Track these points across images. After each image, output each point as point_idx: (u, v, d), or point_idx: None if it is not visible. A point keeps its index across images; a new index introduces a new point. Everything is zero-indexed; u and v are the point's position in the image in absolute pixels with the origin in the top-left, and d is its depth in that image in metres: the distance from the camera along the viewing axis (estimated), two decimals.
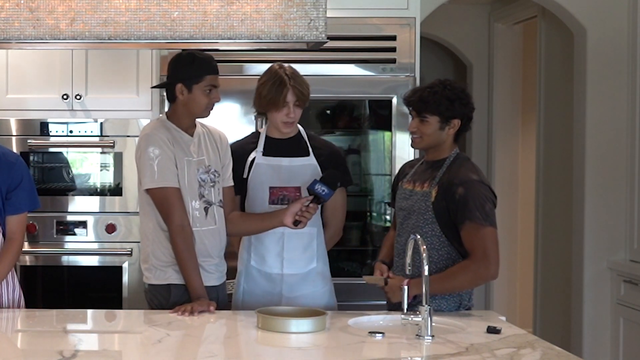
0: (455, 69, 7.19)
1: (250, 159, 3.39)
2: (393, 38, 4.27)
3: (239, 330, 2.85)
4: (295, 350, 2.62)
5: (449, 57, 7.12)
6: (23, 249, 3.64)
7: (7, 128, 4.29)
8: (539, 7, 5.62)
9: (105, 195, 4.33)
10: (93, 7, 2.90)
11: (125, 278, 4.28)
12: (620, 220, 4.88)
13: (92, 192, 4.35)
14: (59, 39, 2.92)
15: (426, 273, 2.67)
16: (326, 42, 2.98)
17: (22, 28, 2.91)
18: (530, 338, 2.70)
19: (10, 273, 3.18)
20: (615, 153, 4.88)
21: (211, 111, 3.25)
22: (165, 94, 3.34)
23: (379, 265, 3.24)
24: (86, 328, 3.07)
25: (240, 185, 3.38)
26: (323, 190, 3.17)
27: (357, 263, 4.51)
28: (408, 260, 2.80)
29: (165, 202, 3.12)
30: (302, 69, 4.19)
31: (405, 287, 2.78)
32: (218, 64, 3.24)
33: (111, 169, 4.32)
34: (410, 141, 3.21)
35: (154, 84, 4.23)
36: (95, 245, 4.30)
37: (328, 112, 4.65)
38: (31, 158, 4.31)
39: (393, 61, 4.26)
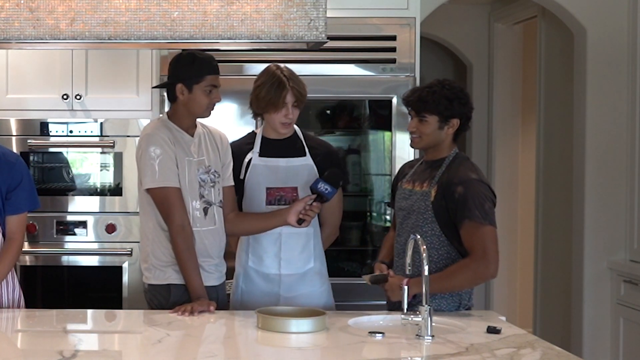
0: (455, 69, 7.19)
1: (246, 160, 3.39)
2: (393, 38, 4.27)
3: (239, 330, 2.85)
4: (295, 350, 2.62)
5: (449, 57, 7.12)
6: (23, 249, 3.64)
7: (7, 128, 4.29)
8: (539, 7, 5.62)
9: (105, 195, 4.33)
10: (93, 7, 2.90)
11: (125, 278, 4.28)
12: (620, 220, 4.88)
13: (92, 192, 4.35)
14: (59, 39, 2.92)
15: (426, 273, 2.67)
16: (326, 42, 2.98)
17: (22, 28, 2.91)
18: (530, 338, 2.70)
19: (10, 273, 3.18)
20: (615, 153, 4.89)
21: (212, 111, 3.25)
22: (165, 94, 3.34)
23: (379, 266, 3.24)
24: (86, 328, 3.07)
25: (237, 186, 3.38)
26: (326, 189, 3.18)
27: (357, 263, 4.51)
28: (408, 260, 2.80)
29: (165, 202, 3.12)
30: (302, 69, 4.20)
31: (406, 287, 2.78)
32: (218, 64, 3.24)
33: (111, 169, 4.32)
34: (409, 141, 3.21)
35: (154, 84, 4.23)
36: (95, 245, 4.30)
37: (328, 112, 4.65)
38: (31, 158, 4.31)
39: (393, 61, 4.26)
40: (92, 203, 4.33)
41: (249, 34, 2.93)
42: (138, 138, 3.30)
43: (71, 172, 4.38)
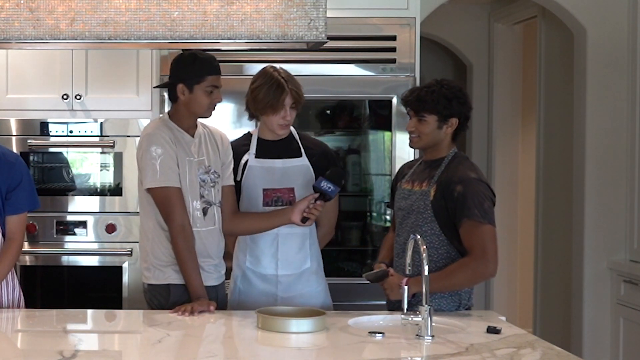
0: (455, 69, 7.19)
1: (242, 161, 3.39)
2: (393, 38, 4.27)
3: (239, 330, 2.85)
4: (295, 350, 2.62)
5: (449, 57, 7.12)
6: (23, 249, 3.64)
7: (7, 128, 4.29)
8: (539, 7, 5.62)
9: (105, 195, 4.33)
10: (93, 7, 2.90)
11: (125, 278, 4.28)
12: (620, 220, 4.88)
13: (92, 192, 4.35)
14: (59, 39, 2.92)
15: (426, 273, 2.67)
16: (326, 42, 2.98)
17: (22, 28, 2.91)
18: (530, 338, 2.70)
19: (10, 273, 3.18)
20: (615, 153, 4.89)
21: (213, 111, 3.25)
22: (166, 94, 3.34)
23: (379, 266, 3.24)
24: (86, 328, 3.07)
25: (234, 187, 3.39)
26: (329, 187, 3.18)
27: (357, 263, 4.51)
28: (408, 260, 2.80)
29: (166, 202, 3.12)
30: (302, 69, 4.21)
31: (405, 287, 2.78)
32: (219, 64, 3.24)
33: (111, 169, 4.32)
34: (408, 141, 3.21)
35: (154, 84, 4.23)
36: (95, 245, 4.30)
37: (328, 112, 4.66)
38: (31, 158, 4.31)
39: (393, 61, 4.26)
40: (92, 203, 4.33)
41: (249, 34, 2.93)
42: (138, 138, 3.29)
43: (71, 172, 4.38)
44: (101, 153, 4.34)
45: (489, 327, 2.76)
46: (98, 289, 4.34)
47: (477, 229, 2.97)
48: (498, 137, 6.54)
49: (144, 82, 4.29)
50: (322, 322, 2.75)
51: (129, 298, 4.27)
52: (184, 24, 2.91)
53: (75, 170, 4.39)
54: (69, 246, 4.30)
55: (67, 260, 4.32)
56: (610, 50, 4.88)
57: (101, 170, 4.35)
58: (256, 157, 3.40)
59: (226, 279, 3.40)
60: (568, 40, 5.24)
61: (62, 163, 4.39)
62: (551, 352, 2.51)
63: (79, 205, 4.33)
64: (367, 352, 2.56)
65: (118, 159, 4.30)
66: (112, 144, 4.28)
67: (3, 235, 3.16)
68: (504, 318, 3.01)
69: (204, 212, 3.22)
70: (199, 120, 3.29)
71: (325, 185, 3.18)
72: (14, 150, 4.17)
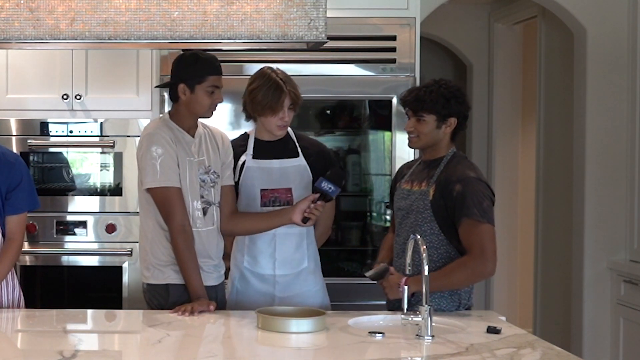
0: (455, 69, 7.19)
1: (240, 162, 3.39)
2: (393, 38, 4.27)
3: (239, 330, 2.85)
4: (295, 350, 2.62)
5: (449, 57, 7.12)
6: (23, 249, 3.64)
7: (7, 128, 4.29)
8: (539, 7, 5.62)
9: (105, 195, 4.33)
10: (93, 7, 2.90)
11: (125, 278, 4.28)
12: (620, 220, 4.88)
13: (92, 192, 4.35)
14: (59, 39, 2.92)
15: (426, 273, 2.67)
16: (326, 42, 2.98)
17: (22, 28, 2.91)
18: (530, 338, 2.70)
19: (10, 273, 3.18)
20: (615, 153, 4.89)
21: (214, 112, 3.25)
22: (166, 93, 3.34)
23: (378, 265, 3.24)
24: (86, 328, 3.07)
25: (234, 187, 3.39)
26: (330, 188, 3.18)
27: (357, 263, 4.51)
28: (408, 260, 2.80)
29: (166, 202, 3.12)
30: (302, 69, 4.22)
31: (405, 287, 2.78)
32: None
33: (111, 169, 4.32)
34: (407, 141, 3.22)
35: (154, 84, 4.23)
36: (95, 245, 4.30)
37: (328, 112, 4.65)
38: (31, 158, 4.31)
39: (393, 61, 4.26)
40: (92, 203, 4.33)
41: (249, 34, 2.93)
42: (138, 138, 3.29)
43: (71, 172, 4.38)
44: (101, 153, 4.34)
45: (489, 327, 2.76)
46: (98, 289, 4.34)
47: (476, 228, 2.97)
48: (498, 137, 6.54)
49: (144, 82, 4.29)
50: (322, 322, 2.75)
51: (129, 298, 4.27)
52: (184, 24, 2.91)
53: (75, 170, 4.39)
54: (69, 246, 4.30)
55: (67, 260, 4.32)
56: (610, 50, 4.88)
57: (101, 170, 4.35)
58: (253, 157, 3.40)
59: (225, 279, 3.40)
60: (568, 40, 5.24)
61: (62, 163, 4.39)
62: (551, 352, 2.51)
63: (79, 205, 4.33)
64: (367, 352, 2.56)
65: (118, 159, 4.30)
66: (112, 144, 4.28)
67: (3, 235, 3.16)
68: (504, 318, 3.01)
69: (204, 212, 3.22)
70: (200, 120, 3.29)
71: (325, 185, 3.18)
72: (14, 150, 4.18)
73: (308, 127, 4.52)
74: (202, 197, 3.21)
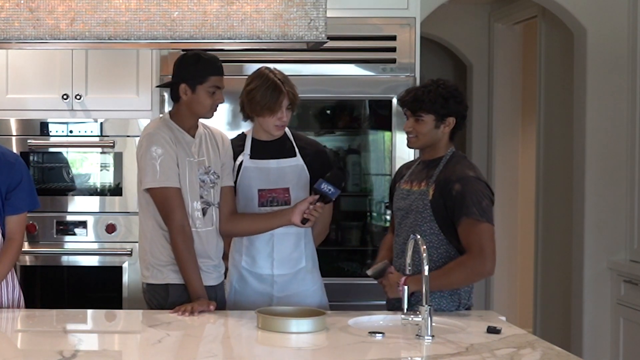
0: (455, 69, 7.19)
1: (237, 162, 3.39)
2: (393, 38, 4.27)
3: (239, 330, 2.85)
4: (295, 350, 2.62)
5: (449, 57, 7.12)
6: (23, 249, 3.64)
7: (7, 128, 4.29)
8: (539, 7, 5.62)
9: (105, 195, 4.33)
10: (93, 7, 2.90)
11: (125, 278, 4.28)
12: (620, 220, 4.88)
13: (92, 192, 4.35)
14: (59, 39, 2.92)
15: (426, 273, 2.67)
16: (326, 42, 2.98)
17: (22, 28, 2.91)
18: (530, 338, 2.70)
19: (10, 273, 3.18)
20: (616, 153, 4.89)
21: (215, 112, 3.25)
22: (166, 93, 3.34)
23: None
24: (86, 328, 3.07)
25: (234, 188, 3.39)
26: (329, 190, 3.18)
27: (357, 263, 4.51)
28: (408, 260, 2.80)
29: (166, 202, 3.12)
30: (302, 69, 4.21)
31: (405, 287, 2.78)
32: None
33: (111, 169, 4.32)
34: (406, 141, 3.22)
35: (154, 84, 4.24)
36: (95, 245, 4.30)
37: (328, 112, 4.66)
38: (31, 158, 4.31)
39: (393, 61, 4.26)
40: (92, 203, 4.33)
41: (249, 34, 2.93)
42: (139, 137, 3.29)
43: (71, 172, 4.38)
44: (101, 153, 4.33)
45: (489, 327, 2.76)
46: (98, 289, 4.34)
47: (475, 227, 2.98)
48: (498, 137, 6.54)
49: (144, 82, 4.29)
50: (322, 322, 2.75)
51: (129, 298, 4.27)
52: (184, 24, 2.91)
53: (75, 170, 4.39)
54: (69, 246, 4.30)
55: (67, 260, 4.32)
56: (610, 50, 4.88)
57: (101, 170, 4.35)
58: (251, 157, 3.40)
59: (224, 279, 3.40)
60: (568, 40, 5.24)
61: (62, 163, 4.39)
62: (551, 352, 2.51)
63: (79, 205, 4.33)
64: (367, 352, 2.56)
65: (118, 159, 4.30)
66: (112, 144, 4.28)
67: (3, 235, 3.16)
68: (504, 318, 3.01)
69: (203, 212, 3.22)
70: (200, 120, 3.29)
71: (325, 187, 3.18)
72: (14, 150, 4.18)
73: (308, 127, 4.52)
74: (201, 197, 3.21)
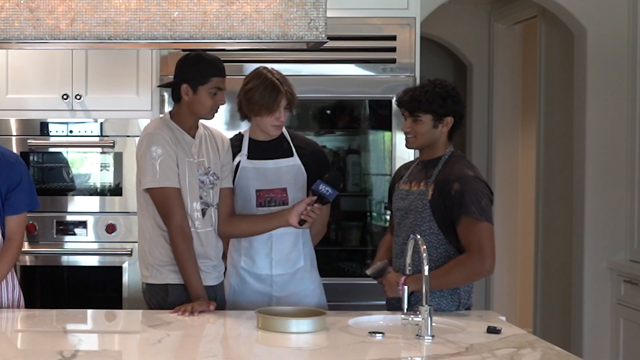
0: (455, 69, 7.19)
1: (235, 163, 3.39)
2: (393, 38, 4.27)
3: (239, 330, 2.85)
4: (295, 350, 2.62)
5: (449, 57, 7.12)
6: (23, 249, 3.64)
7: (7, 128, 4.29)
8: (539, 7, 5.62)
9: (105, 195, 4.33)
10: (93, 7, 2.90)
11: (125, 278, 4.28)
12: (620, 220, 4.89)
13: (92, 192, 4.35)
14: (59, 39, 2.92)
15: (426, 273, 2.67)
16: (326, 42, 2.98)
17: (22, 28, 2.91)
18: (530, 338, 2.70)
19: (10, 273, 3.18)
20: (616, 153, 4.89)
21: (215, 114, 3.24)
22: (166, 93, 3.33)
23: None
24: (86, 328, 3.07)
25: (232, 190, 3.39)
26: (327, 191, 3.18)
27: (357, 263, 4.51)
28: (408, 260, 2.81)
29: (165, 202, 3.12)
30: (302, 69, 4.21)
31: (405, 287, 2.78)
32: None
33: (111, 169, 4.32)
34: (404, 142, 3.22)
35: (154, 84, 4.24)
36: (95, 245, 4.30)
37: (328, 112, 4.66)
38: (31, 158, 4.31)
39: (393, 61, 4.26)
40: (92, 203, 4.33)
41: (249, 34, 2.93)
42: (139, 137, 3.29)
43: (71, 172, 4.38)
44: (101, 153, 4.33)
45: (489, 327, 2.76)
46: (98, 289, 4.34)
47: (474, 226, 2.98)
48: (498, 137, 6.54)
49: (144, 82, 4.29)
50: (322, 322, 2.75)
51: (129, 298, 4.27)
52: (184, 24, 2.91)
53: (75, 170, 4.39)
54: (69, 246, 4.30)
55: (67, 260, 4.32)
56: (610, 50, 4.88)
57: (101, 170, 4.35)
58: (248, 158, 3.41)
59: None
60: (568, 40, 5.24)
61: (62, 163, 4.39)
62: (551, 352, 2.51)
63: (79, 205, 4.33)
64: (367, 352, 2.56)
65: (118, 159, 4.30)
66: (112, 144, 4.28)
67: (3, 235, 3.16)
68: (504, 318, 3.01)
69: (203, 213, 3.21)
70: (200, 121, 3.28)
71: (323, 188, 3.17)
72: (14, 150, 4.17)
73: (308, 127, 4.52)
74: (200, 198, 3.21)
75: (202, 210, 3.21)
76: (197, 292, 3.08)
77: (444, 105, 3.10)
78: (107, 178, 4.34)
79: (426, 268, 2.67)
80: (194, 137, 3.24)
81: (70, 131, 4.32)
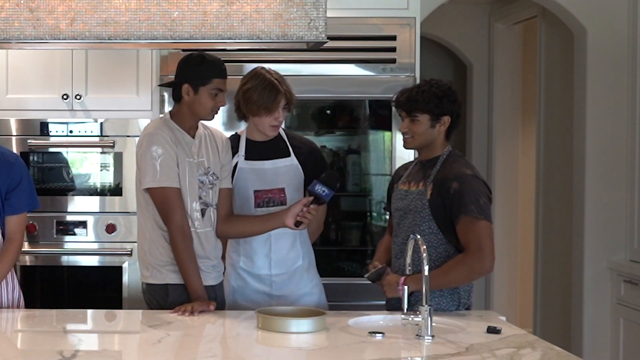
0: (455, 69, 7.19)
1: (232, 163, 3.39)
2: (393, 38, 4.27)
3: (239, 330, 2.85)
4: (295, 350, 2.62)
5: (449, 57, 7.12)
6: (23, 249, 3.64)
7: (7, 128, 4.29)
8: (539, 7, 5.62)
9: (105, 195, 4.32)
10: (93, 7, 2.90)
11: (125, 278, 4.28)
12: (620, 220, 4.88)
13: (92, 192, 4.34)
14: (59, 39, 2.92)
15: (426, 273, 2.67)
16: (326, 42, 2.98)
17: (22, 28, 2.91)
18: (530, 338, 2.70)
19: (10, 273, 3.18)
20: (616, 153, 4.89)
21: (215, 115, 3.24)
22: (166, 93, 3.33)
23: (374, 265, 3.24)
24: (86, 328, 3.07)
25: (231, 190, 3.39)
26: (323, 191, 3.17)
27: (357, 263, 4.51)
28: (408, 260, 2.81)
29: (165, 202, 3.12)
30: (302, 69, 4.22)
31: (405, 287, 2.78)
32: None
33: (111, 169, 4.32)
34: (402, 142, 3.23)
35: (154, 84, 4.23)
36: (95, 245, 4.30)
37: (328, 112, 4.66)
38: (31, 158, 4.31)
39: (393, 61, 4.26)
40: (92, 203, 4.33)
41: (249, 34, 2.93)
42: (139, 137, 3.29)
43: (71, 172, 4.38)
44: (101, 153, 4.33)
45: (489, 327, 2.76)
46: (98, 289, 4.34)
47: (473, 225, 2.98)
48: (498, 137, 6.54)
49: (144, 82, 4.29)
50: (322, 322, 2.75)
51: (129, 298, 4.27)
52: (184, 24, 2.91)
53: (75, 170, 4.39)
54: (69, 246, 4.30)
55: (67, 260, 4.32)
56: (610, 50, 4.88)
57: (101, 170, 4.35)
58: (245, 159, 3.41)
59: None
60: (568, 40, 5.24)
61: (62, 163, 4.39)
62: (551, 352, 2.51)
63: (79, 205, 4.33)
64: (367, 352, 2.56)
65: (118, 159, 4.30)
66: (112, 144, 4.28)
67: (3, 235, 3.16)
68: (504, 318, 3.01)
69: (202, 213, 3.21)
70: (201, 120, 3.28)
71: (319, 188, 3.17)
72: (14, 150, 4.17)
73: (308, 127, 4.52)
74: (200, 198, 3.21)
75: (202, 210, 3.21)
76: (197, 292, 3.08)
77: (441, 104, 3.10)
78: (107, 178, 4.34)
79: (426, 268, 2.67)
80: (193, 137, 3.24)
81: (70, 131, 4.32)
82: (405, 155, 4.13)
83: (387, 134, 4.35)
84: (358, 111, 4.56)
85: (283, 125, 3.54)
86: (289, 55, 4.12)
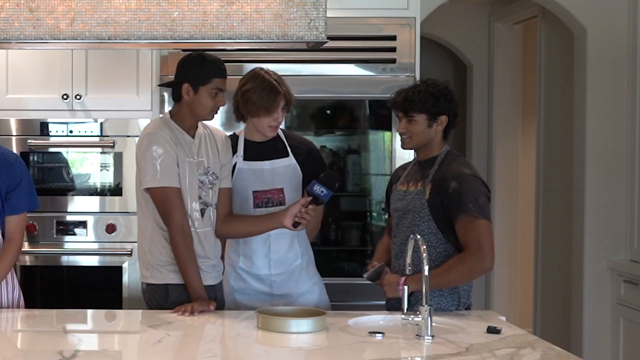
0: (455, 69, 7.19)
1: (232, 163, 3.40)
2: (393, 38, 4.27)
3: (239, 330, 2.85)
4: (295, 350, 2.62)
5: (449, 57, 7.12)
6: (23, 249, 3.64)
7: (7, 128, 4.29)
8: (539, 7, 5.62)
9: (105, 195, 4.32)
10: (93, 7, 2.90)
11: (125, 278, 4.28)
12: (620, 220, 4.88)
13: (92, 192, 4.34)
14: (59, 39, 2.92)
15: (426, 273, 2.67)
16: (326, 42, 2.98)
17: (22, 28, 2.91)
18: (530, 338, 2.70)
19: (9, 273, 3.18)
20: (616, 153, 4.89)
21: (215, 115, 3.24)
22: (166, 93, 3.33)
23: (373, 265, 3.24)
24: (86, 328, 3.07)
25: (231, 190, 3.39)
26: (322, 191, 3.17)
27: (357, 263, 4.51)
28: (408, 260, 2.81)
29: (166, 202, 3.12)
30: (302, 69, 4.22)
31: (405, 287, 2.78)
32: None
33: (111, 169, 4.32)
34: (400, 142, 3.23)
35: (154, 84, 4.23)
36: (95, 245, 4.30)
37: (328, 112, 4.66)
38: (31, 158, 4.31)
39: (393, 61, 4.26)
40: (92, 203, 4.33)
41: (249, 34, 2.93)
42: (139, 137, 3.29)
43: (71, 172, 4.38)
44: (101, 153, 4.33)
45: (489, 327, 2.76)
46: (98, 289, 4.34)
47: (472, 224, 2.98)
48: (498, 137, 6.54)
49: (144, 82, 4.29)
50: (322, 322, 2.75)
51: (129, 298, 4.27)
52: (184, 24, 2.91)
53: (75, 170, 4.39)
54: (69, 246, 4.30)
55: (67, 260, 4.32)
56: (610, 50, 4.88)
57: (101, 170, 4.35)
58: (244, 159, 3.41)
59: None
60: (568, 40, 5.24)
61: (62, 163, 4.39)
62: (551, 352, 2.51)
63: (79, 205, 4.33)
64: (367, 352, 2.56)
65: (118, 159, 4.30)
66: (112, 144, 4.28)
67: (3, 235, 3.16)
68: (504, 318, 3.01)
69: (202, 213, 3.21)
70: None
71: (318, 189, 3.16)
72: (14, 150, 4.17)
73: (308, 127, 4.52)
74: (200, 198, 3.21)
75: (201, 210, 3.21)
76: (197, 292, 3.08)
77: (437, 104, 3.11)
78: (107, 178, 4.34)
79: (426, 268, 2.67)
80: (193, 136, 3.24)
81: (70, 131, 4.32)
82: (405, 155, 4.13)
83: (387, 134, 4.35)
84: (358, 111, 4.56)
85: (283, 125, 3.54)
86: (288, 55, 4.12)
